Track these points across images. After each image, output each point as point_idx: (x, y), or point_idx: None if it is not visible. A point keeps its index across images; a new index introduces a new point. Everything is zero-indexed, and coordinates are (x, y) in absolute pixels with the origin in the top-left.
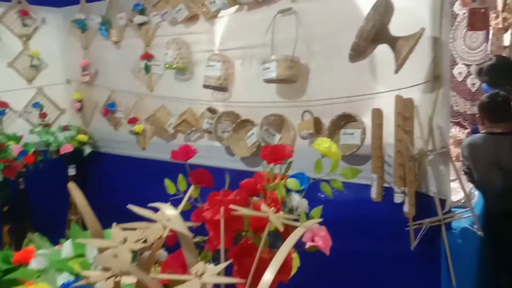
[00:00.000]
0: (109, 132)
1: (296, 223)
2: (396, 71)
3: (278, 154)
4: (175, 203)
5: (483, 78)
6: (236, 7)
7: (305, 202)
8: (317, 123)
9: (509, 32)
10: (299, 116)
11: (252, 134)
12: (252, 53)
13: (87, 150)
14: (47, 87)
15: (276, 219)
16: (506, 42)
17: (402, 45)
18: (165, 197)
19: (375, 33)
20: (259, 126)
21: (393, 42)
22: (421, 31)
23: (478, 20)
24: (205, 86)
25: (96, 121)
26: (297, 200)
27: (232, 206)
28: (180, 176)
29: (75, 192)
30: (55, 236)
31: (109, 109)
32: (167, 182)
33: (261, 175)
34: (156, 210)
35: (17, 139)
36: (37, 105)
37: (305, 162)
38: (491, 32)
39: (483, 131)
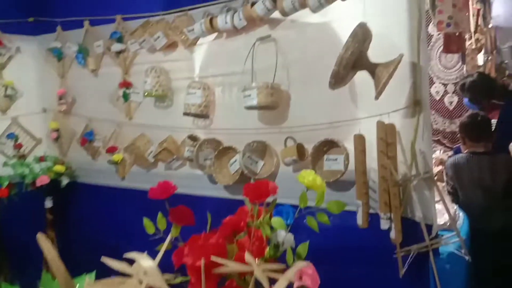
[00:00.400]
0: (87, 162)
1: (280, 276)
2: (376, 97)
3: (261, 192)
4: (155, 244)
5: (466, 94)
6: (215, 34)
7: (291, 237)
8: (301, 149)
9: (482, 52)
10: (281, 142)
11: (235, 161)
12: (232, 80)
13: (65, 181)
14: (22, 117)
15: (261, 273)
16: (480, 62)
17: (382, 72)
18: (143, 227)
19: (354, 60)
20: (241, 153)
21: (372, 68)
22: (400, 57)
23: (453, 43)
24: (186, 114)
25: (74, 151)
26: (282, 236)
27: (214, 259)
28: (159, 215)
29: (44, 244)
30: (32, 273)
31: (87, 138)
32: (146, 221)
33: (244, 210)
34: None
35: None
36: (11, 135)
37: (289, 189)
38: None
39: (465, 151)
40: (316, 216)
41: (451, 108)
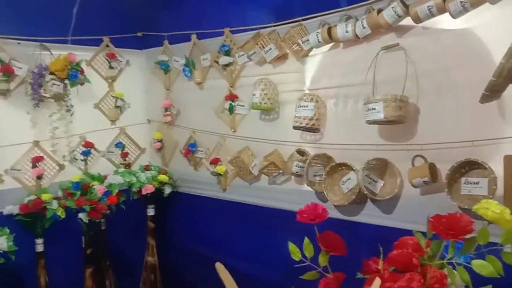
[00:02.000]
0: (188, 173)
1: None
2: None
3: (458, 227)
4: (301, 271)
5: None
6: (330, 44)
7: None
8: (433, 169)
9: None
10: (405, 160)
11: (349, 179)
12: (348, 92)
13: (167, 190)
14: (129, 126)
15: None
16: None
17: None
18: (245, 240)
19: None
20: (358, 170)
21: None
22: None
23: None
24: (296, 128)
25: (176, 161)
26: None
27: None
28: (306, 241)
29: (223, 273)
30: (133, 279)
31: (191, 150)
32: (292, 246)
33: (408, 243)
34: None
35: (101, 179)
36: (119, 145)
37: (416, 214)
38: None
39: None
40: (502, 255)
41: None
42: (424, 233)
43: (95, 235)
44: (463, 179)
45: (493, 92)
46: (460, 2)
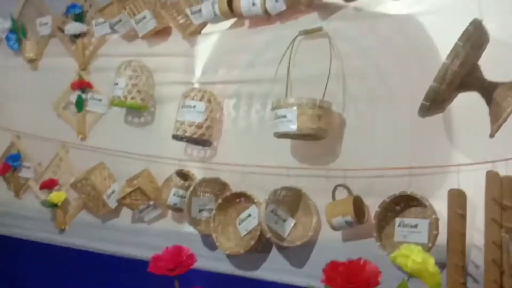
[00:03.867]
0: (6, 201)
1: None
2: (493, 134)
3: (357, 279)
4: None
5: None
6: (231, 21)
7: None
8: (359, 205)
9: None
10: (324, 192)
11: (249, 216)
12: (253, 90)
13: None
14: None
15: None
16: None
17: (505, 96)
18: None
19: (464, 75)
20: (261, 204)
21: (488, 90)
22: None
23: None
24: (177, 137)
25: None
26: None
27: None
28: None
29: None
30: None
31: (11, 164)
32: None
33: None
34: None
35: None
36: None
37: None
38: None
39: None
40: None
41: None
42: None
43: None
44: (397, 220)
45: (435, 102)
46: None
